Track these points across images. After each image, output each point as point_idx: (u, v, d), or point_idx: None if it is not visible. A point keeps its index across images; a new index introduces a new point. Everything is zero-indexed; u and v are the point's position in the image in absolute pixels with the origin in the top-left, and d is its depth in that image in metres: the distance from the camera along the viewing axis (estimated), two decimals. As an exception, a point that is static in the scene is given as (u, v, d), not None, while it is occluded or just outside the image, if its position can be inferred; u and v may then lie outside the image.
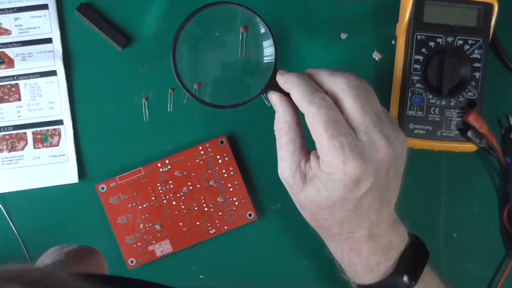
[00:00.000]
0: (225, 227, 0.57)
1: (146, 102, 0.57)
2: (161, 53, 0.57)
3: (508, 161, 0.57)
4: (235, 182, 0.56)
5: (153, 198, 0.56)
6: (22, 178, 0.56)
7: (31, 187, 0.56)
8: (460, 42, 0.54)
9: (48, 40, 0.56)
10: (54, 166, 0.56)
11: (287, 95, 0.45)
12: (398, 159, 0.43)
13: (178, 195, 0.56)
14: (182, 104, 0.57)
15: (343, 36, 0.58)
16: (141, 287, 0.35)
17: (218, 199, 0.56)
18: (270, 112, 0.58)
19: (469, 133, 0.55)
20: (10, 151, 0.56)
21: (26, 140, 0.56)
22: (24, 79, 0.56)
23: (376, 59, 0.58)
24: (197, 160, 0.56)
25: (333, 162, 0.41)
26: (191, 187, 0.56)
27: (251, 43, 0.47)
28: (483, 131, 0.54)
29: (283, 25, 0.57)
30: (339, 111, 0.42)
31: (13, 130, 0.56)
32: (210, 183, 0.56)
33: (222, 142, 0.56)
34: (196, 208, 0.56)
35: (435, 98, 0.55)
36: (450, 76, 0.54)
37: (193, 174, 0.56)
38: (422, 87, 0.54)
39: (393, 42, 0.58)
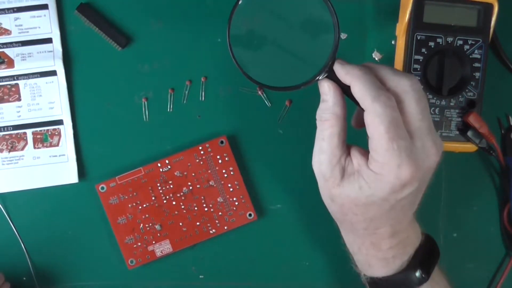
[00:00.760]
0: (225, 227, 0.57)
1: (146, 102, 0.57)
2: (161, 53, 0.57)
3: (508, 161, 0.57)
4: (235, 182, 0.56)
5: (153, 198, 0.56)
6: (22, 178, 0.56)
7: (31, 187, 0.56)
8: (460, 42, 0.54)
9: (48, 40, 0.56)
10: (54, 166, 0.56)
11: (340, 85, 0.43)
12: (437, 166, 0.44)
13: (178, 195, 0.56)
14: (182, 104, 0.57)
15: (343, 36, 0.58)
16: None
17: (218, 199, 0.56)
18: (270, 112, 0.58)
19: (469, 133, 0.55)
20: (10, 151, 0.56)
21: (26, 140, 0.56)
22: (24, 79, 0.56)
23: (376, 59, 0.58)
24: (197, 160, 0.56)
25: (388, 164, 0.41)
26: (191, 187, 0.56)
27: (309, 25, 0.43)
28: (483, 131, 0.54)
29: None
30: (399, 113, 0.41)
31: (13, 130, 0.56)
32: (210, 183, 0.56)
33: (222, 142, 0.56)
34: (196, 208, 0.56)
35: (435, 98, 0.55)
36: (450, 76, 0.54)
37: (193, 174, 0.56)
38: (422, 87, 0.54)
39: (393, 42, 0.58)
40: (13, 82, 0.56)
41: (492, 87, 0.56)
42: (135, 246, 0.56)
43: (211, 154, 0.56)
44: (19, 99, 0.56)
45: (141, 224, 0.56)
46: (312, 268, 0.58)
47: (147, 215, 0.56)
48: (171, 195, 0.56)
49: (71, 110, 0.56)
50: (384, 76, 0.43)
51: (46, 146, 0.56)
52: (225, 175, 0.56)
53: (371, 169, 0.42)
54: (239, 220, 0.57)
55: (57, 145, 0.56)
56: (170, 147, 0.57)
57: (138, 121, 0.57)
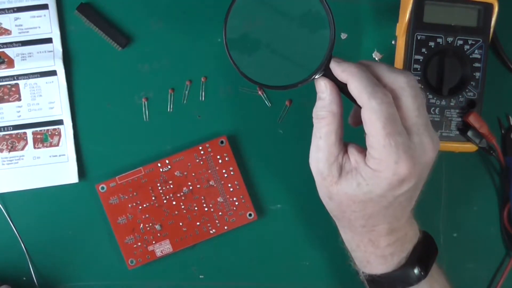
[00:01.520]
0: (225, 227, 0.57)
1: (146, 102, 0.57)
2: (161, 53, 0.57)
3: (508, 161, 0.57)
4: (235, 182, 0.56)
5: (153, 198, 0.56)
6: (22, 178, 0.56)
7: (31, 187, 0.56)
8: (460, 42, 0.54)
9: (48, 40, 0.56)
10: (54, 166, 0.56)
11: (337, 83, 0.43)
12: (434, 162, 0.44)
13: (178, 195, 0.56)
14: (182, 104, 0.57)
15: (343, 36, 0.58)
16: None
17: (218, 199, 0.56)
18: (270, 112, 0.58)
19: (469, 133, 0.55)
20: (10, 151, 0.56)
21: (26, 140, 0.56)
22: (24, 79, 0.56)
23: (376, 59, 0.58)
24: (197, 160, 0.56)
25: (385, 160, 0.41)
26: (191, 187, 0.56)
27: (306, 24, 0.43)
28: (483, 131, 0.54)
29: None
30: (396, 109, 0.41)
31: (13, 130, 0.56)
32: (210, 183, 0.56)
33: (222, 142, 0.56)
34: (196, 208, 0.56)
35: (435, 98, 0.55)
36: (450, 76, 0.54)
37: (193, 174, 0.56)
38: (422, 87, 0.54)
39: (393, 42, 0.58)
40: (13, 82, 0.56)
41: (492, 87, 0.56)
42: (135, 246, 0.56)
43: (211, 154, 0.56)
44: (19, 99, 0.56)
45: (141, 224, 0.56)
46: (312, 268, 0.58)
47: (147, 215, 0.56)
48: (171, 195, 0.56)
49: (71, 110, 0.56)
50: (380, 73, 0.43)
51: (46, 146, 0.56)
52: (225, 175, 0.56)
53: (368, 166, 0.42)
54: (239, 220, 0.57)
55: (57, 145, 0.56)
56: (170, 147, 0.57)
57: (138, 121, 0.57)
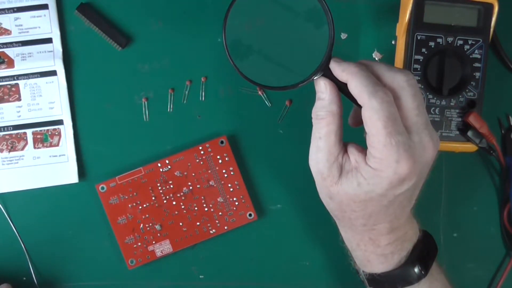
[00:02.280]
0: (225, 227, 0.57)
1: (146, 102, 0.57)
2: (161, 53, 0.57)
3: (508, 161, 0.57)
4: (235, 182, 0.56)
5: (153, 198, 0.56)
6: (22, 178, 0.56)
7: (31, 187, 0.56)
8: (460, 42, 0.54)
9: (48, 40, 0.56)
10: (54, 166, 0.56)
11: (336, 83, 0.43)
12: (434, 161, 0.44)
13: (178, 195, 0.56)
14: (182, 104, 0.57)
15: (343, 36, 0.58)
16: None
17: (218, 199, 0.56)
18: (270, 112, 0.58)
19: (469, 133, 0.55)
20: (10, 151, 0.56)
21: (26, 140, 0.56)
22: (24, 79, 0.56)
23: (376, 59, 0.58)
24: (197, 160, 0.56)
25: (386, 160, 0.41)
26: (191, 187, 0.56)
27: (305, 24, 0.43)
28: (483, 131, 0.54)
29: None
30: (396, 108, 0.41)
31: (13, 130, 0.56)
32: (210, 183, 0.56)
33: (222, 142, 0.56)
34: (196, 208, 0.56)
35: (435, 98, 0.55)
36: (450, 76, 0.54)
37: (193, 174, 0.56)
38: (422, 87, 0.54)
39: (393, 42, 0.58)
40: (13, 82, 0.56)
41: (492, 87, 0.56)
42: (135, 246, 0.56)
43: (211, 154, 0.56)
44: (19, 99, 0.56)
45: (141, 224, 0.56)
46: (312, 268, 0.58)
47: (147, 215, 0.56)
48: (171, 195, 0.56)
49: (71, 110, 0.56)
50: (380, 73, 0.43)
51: (46, 146, 0.56)
52: (225, 175, 0.56)
53: (369, 165, 0.42)
54: (239, 220, 0.57)
55: (57, 145, 0.56)
56: (170, 147, 0.57)
57: (138, 121, 0.57)
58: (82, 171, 0.57)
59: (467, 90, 0.55)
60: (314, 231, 0.58)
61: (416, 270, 0.47)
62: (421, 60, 0.54)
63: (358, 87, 0.41)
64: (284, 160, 0.58)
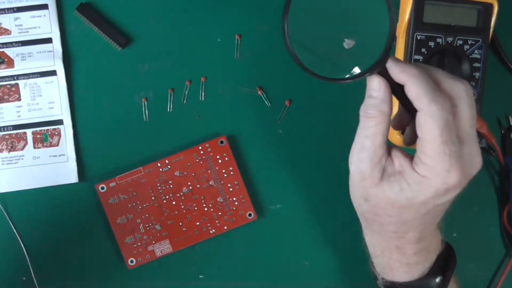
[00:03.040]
0: (225, 227, 0.57)
1: (146, 102, 0.57)
2: (161, 53, 0.57)
3: (507, 161, 0.57)
4: (235, 182, 0.56)
5: (153, 198, 0.56)
6: (22, 178, 0.56)
7: (31, 187, 0.56)
8: (460, 42, 0.54)
9: (48, 40, 0.56)
10: (54, 166, 0.56)
11: (390, 83, 0.42)
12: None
13: (178, 195, 0.56)
14: (182, 104, 0.57)
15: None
16: None
17: (218, 199, 0.56)
18: (270, 112, 0.58)
19: (469, 133, 0.54)
20: (10, 151, 0.56)
21: (26, 140, 0.56)
22: (24, 79, 0.56)
23: (376, 59, 0.58)
24: (197, 160, 0.56)
25: (436, 168, 0.40)
26: (191, 187, 0.56)
27: (364, 19, 0.42)
28: (483, 131, 0.54)
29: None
30: (452, 117, 0.40)
31: (13, 130, 0.56)
32: (210, 183, 0.56)
33: (222, 142, 0.56)
34: (196, 208, 0.56)
35: (435, 98, 0.55)
36: (450, 76, 0.54)
37: (193, 174, 0.56)
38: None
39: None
40: (13, 82, 0.56)
41: (492, 87, 0.56)
42: (135, 246, 0.56)
43: (211, 154, 0.56)
44: (19, 99, 0.56)
45: (141, 224, 0.56)
46: (312, 268, 0.58)
47: (147, 215, 0.56)
48: (171, 195, 0.56)
49: (71, 110, 0.56)
50: (438, 78, 0.41)
51: (46, 146, 0.56)
52: (225, 175, 0.56)
53: (416, 172, 0.41)
54: (239, 220, 0.57)
55: (57, 145, 0.56)
56: (170, 147, 0.57)
57: (138, 121, 0.57)
58: (82, 171, 0.57)
59: (467, 90, 0.55)
60: (313, 231, 0.58)
61: (437, 281, 0.46)
62: (420, 60, 0.54)
63: (417, 90, 0.40)
64: (284, 160, 0.58)
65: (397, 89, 0.41)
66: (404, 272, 0.47)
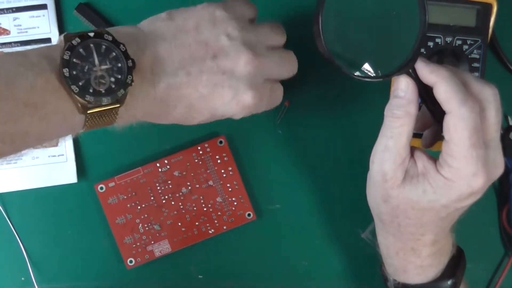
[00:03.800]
0: (224, 227, 0.57)
1: (145, 102, 0.57)
2: (160, 53, 0.57)
3: (508, 162, 0.57)
4: (234, 182, 0.56)
5: (152, 198, 0.56)
6: (21, 178, 0.56)
7: (30, 187, 0.56)
8: (459, 42, 0.54)
9: (47, 40, 0.56)
10: (53, 166, 0.56)
11: (418, 83, 0.41)
12: None
13: (177, 195, 0.56)
14: (181, 104, 0.57)
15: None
16: None
17: (217, 199, 0.56)
18: (269, 112, 0.58)
19: (468, 133, 0.54)
20: (9, 151, 0.56)
21: (25, 140, 0.56)
22: (23, 79, 0.56)
23: (375, 59, 0.58)
24: (196, 160, 0.56)
25: (462, 171, 0.40)
26: (190, 187, 0.56)
27: (394, 19, 0.42)
28: (482, 131, 0.54)
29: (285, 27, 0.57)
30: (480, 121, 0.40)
31: (12, 130, 0.56)
32: (209, 183, 0.56)
33: (221, 142, 0.56)
34: (195, 208, 0.56)
35: (434, 98, 0.55)
36: (449, 76, 0.54)
37: (192, 174, 0.56)
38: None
39: (392, 42, 0.58)
40: (12, 82, 0.56)
41: (491, 87, 0.56)
42: (134, 246, 0.56)
43: (210, 154, 0.56)
44: (18, 99, 0.56)
45: (140, 224, 0.56)
46: (312, 268, 0.58)
47: (146, 215, 0.56)
48: (170, 195, 0.56)
49: (70, 110, 0.56)
50: (467, 81, 0.42)
51: (45, 146, 0.56)
52: (224, 175, 0.56)
53: (441, 174, 0.41)
54: (238, 220, 0.57)
55: (56, 145, 0.56)
56: (169, 147, 0.57)
57: (137, 121, 0.57)
58: (81, 171, 0.57)
59: (466, 90, 0.55)
60: (312, 231, 0.58)
61: (449, 283, 0.46)
62: (420, 60, 0.54)
63: (448, 92, 0.40)
64: (283, 160, 0.58)
65: (423, 90, 0.41)
66: (418, 274, 0.46)
